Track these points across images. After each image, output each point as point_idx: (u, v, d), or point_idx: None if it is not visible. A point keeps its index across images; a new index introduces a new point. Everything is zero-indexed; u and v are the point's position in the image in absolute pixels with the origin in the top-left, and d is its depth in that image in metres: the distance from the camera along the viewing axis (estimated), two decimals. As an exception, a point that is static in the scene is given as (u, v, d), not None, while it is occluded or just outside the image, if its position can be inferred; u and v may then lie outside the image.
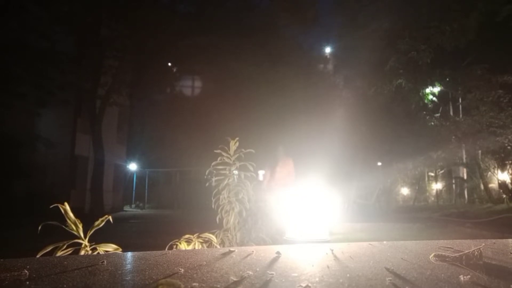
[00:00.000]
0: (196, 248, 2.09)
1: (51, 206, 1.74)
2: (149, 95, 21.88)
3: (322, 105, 17.17)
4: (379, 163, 21.03)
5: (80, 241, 1.63)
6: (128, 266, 1.06)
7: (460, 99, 17.57)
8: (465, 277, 0.85)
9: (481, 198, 18.53)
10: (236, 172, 2.72)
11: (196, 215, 9.93)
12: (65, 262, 1.07)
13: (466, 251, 1.04)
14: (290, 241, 1.88)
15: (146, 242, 6.74)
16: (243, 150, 2.75)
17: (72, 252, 1.56)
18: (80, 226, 1.65)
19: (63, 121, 17.00)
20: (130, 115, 23.13)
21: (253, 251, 1.24)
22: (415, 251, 1.25)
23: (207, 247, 2.20)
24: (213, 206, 2.68)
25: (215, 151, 2.73)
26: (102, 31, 16.85)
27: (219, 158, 2.73)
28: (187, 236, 2.15)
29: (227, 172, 2.70)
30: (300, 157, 13.64)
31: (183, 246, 2.06)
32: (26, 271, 0.89)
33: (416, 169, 20.35)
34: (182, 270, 0.94)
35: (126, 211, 21.16)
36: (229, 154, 2.72)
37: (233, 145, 2.74)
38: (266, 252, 1.25)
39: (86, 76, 16.73)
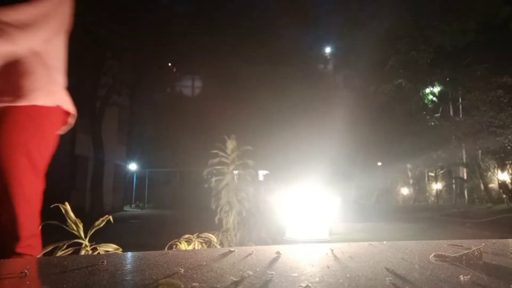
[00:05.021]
0: (196, 248, 2.09)
1: (51, 206, 1.74)
2: (149, 95, 21.88)
3: (322, 105, 17.16)
4: (379, 163, 21.04)
5: (81, 241, 1.63)
6: (128, 266, 1.06)
7: (460, 99, 17.58)
8: (465, 277, 0.85)
9: (481, 198, 18.53)
10: (236, 172, 2.71)
11: (196, 215, 9.93)
12: (65, 262, 1.07)
13: (466, 251, 1.04)
14: (290, 241, 1.88)
15: (146, 242, 6.74)
16: (241, 147, 2.70)
17: (72, 252, 1.56)
18: (81, 226, 1.65)
19: (63, 121, 16.98)
20: (130, 115, 23.14)
21: (253, 251, 1.24)
22: (415, 251, 1.25)
23: (207, 247, 2.20)
24: (212, 206, 2.68)
25: (212, 151, 2.69)
26: (102, 31, 16.86)
27: (216, 159, 2.69)
28: (187, 236, 2.15)
29: (227, 171, 2.69)
30: (300, 157, 13.67)
31: (183, 246, 2.06)
32: (26, 271, 0.89)
33: (416, 169, 20.39)
34: (182, 270, 0.94)
35: (126, 211, 21.16)
36: (227, 153, 2.68)
37: (231, 143, 2.70)
38: (266, 252, 1.25)
39: (86, 76, 16.73)
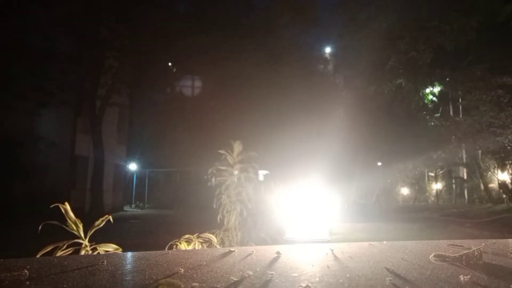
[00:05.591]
0: (196, 248, 2.09)
1: (51, 206, 1.74)
2: (149, 95, 21.87)
3: (322, 106, 17.16)
4: (379, 163, 21.04)
5: (81, 241, 1.63)
6: (128, 266, 1.06)
7: (460, 99, 17.58)
8: (465, 277, 0.85)
9: (481, 198, 18.54)
10: (235, 172, 2.72)
11: (196, 215, 9.93)
12: (65, 262, 1.07)
13: (466, 251, 1.04)
14: (290, 241, 1.88)
15: (146, 242, 6.75)
16: (246, 152, 2.74)
17: (72, 252, 1.56)
18: (81, 226, 1.65)
19: (63, 121, 17.00)
20: (130, 115, 23.14)
21: (253, 251, 1.24)
22: (415, 251, 1.25)
23: (207, 247, 2.20)
24: (214, 206, 2.69)
25: (219, 151, 2.72)
26: (102, 31, 16.86)
27: (222, 157, 2.73)
28: (187, 236, 2.15)
29: (229, 173, 2.70)
30: (300, 157, 13.66)
31: (183, 246, 2.06)
32: (26, 271, 0.89)
33: (416, 169, 20.36)
34: (182, 270, 0.94)
35: (126, 211, 21.17)
36: (232, 156, 2.72)
37: (237, 147, 2.75)
38: (266, 252, 1.25)
39: (86, 76, 16.74)
